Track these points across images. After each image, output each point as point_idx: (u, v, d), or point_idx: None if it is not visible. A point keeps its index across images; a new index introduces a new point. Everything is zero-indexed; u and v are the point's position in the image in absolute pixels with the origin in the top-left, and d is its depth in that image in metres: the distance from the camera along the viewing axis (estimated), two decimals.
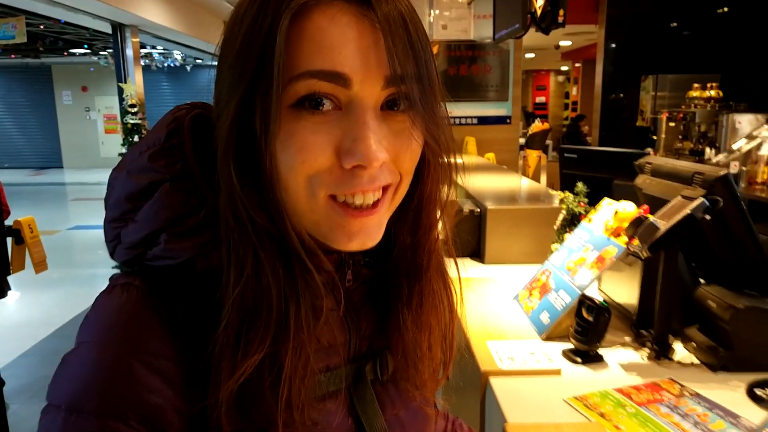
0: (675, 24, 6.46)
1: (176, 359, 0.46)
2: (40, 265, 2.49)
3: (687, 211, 1.11)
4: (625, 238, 1.25)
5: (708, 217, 1.11)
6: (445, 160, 0.54)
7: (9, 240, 2.35)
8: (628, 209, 1.31)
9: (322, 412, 0.51)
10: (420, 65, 0.46)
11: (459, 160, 0.56)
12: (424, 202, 0.55)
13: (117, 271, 0.53)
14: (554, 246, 1.60)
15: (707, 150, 4.22)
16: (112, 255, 0.54)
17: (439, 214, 0.57)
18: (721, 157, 3.75)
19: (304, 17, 0.44)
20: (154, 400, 0.44)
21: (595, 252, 1.35)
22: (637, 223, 1.17)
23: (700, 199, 1.11)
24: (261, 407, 0.47)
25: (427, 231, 0.56)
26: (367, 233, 0.49)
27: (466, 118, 4.77)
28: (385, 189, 0.49)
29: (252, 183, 0.47)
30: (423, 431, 0.62)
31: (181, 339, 0.47)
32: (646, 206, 1.28)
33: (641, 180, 1.45)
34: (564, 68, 13.15)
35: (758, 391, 1.07)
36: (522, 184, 2.46)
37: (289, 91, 0.44)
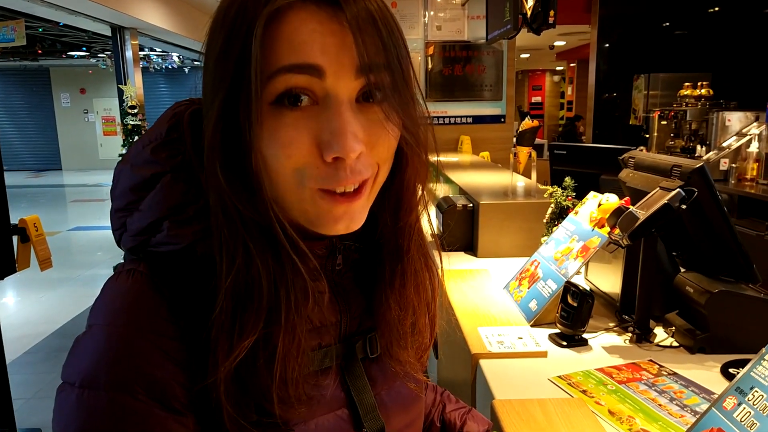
0: (667, 23, 6.54)
1: (178, 338, 0.49)
2: (45, 263, 2.55)
3: (664, 200, 1.17)
4: (607, 228, 1.32)
5: (684, 206, 1.17)
6: (421, 147, 0.55)
7: (14, 238, 2.41)
8: (611, 200, 1.37)
9: (316, 387, 0.54)
10: (390, 57, 0.49)
11: (436, 158, 0.58)
12: (404, 186, 0.58)
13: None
14: (543, 239, 1.66)
15: (698, 147, 4.29)
16: (118, 242, 0.58)
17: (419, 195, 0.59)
18: (711, 154, 3.82)
19: (277, 21, 0.46)
20: (160, 375, 0.48)
21: (580, 242, 1.42)
22: (618, 213, 1.23)
23: (677, 190, 1.18)
24: (257, 383, 0.50)
25: (406, 213, 0.59)
26: (352, 217, 0.51)
27: (461, 117, 4.84)
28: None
29: (239, 178, 0.49)
30: (412, 405, 0.65)
31: (182, 320, 0.50)
32: (627, 198, 1.34)
33: (625, 174, 1.51)
34: (559, 68, 13.22)
35: (732, 370, 1.12)
36: (513, 180, 2.52)
37: (269, 88, 0.47)
